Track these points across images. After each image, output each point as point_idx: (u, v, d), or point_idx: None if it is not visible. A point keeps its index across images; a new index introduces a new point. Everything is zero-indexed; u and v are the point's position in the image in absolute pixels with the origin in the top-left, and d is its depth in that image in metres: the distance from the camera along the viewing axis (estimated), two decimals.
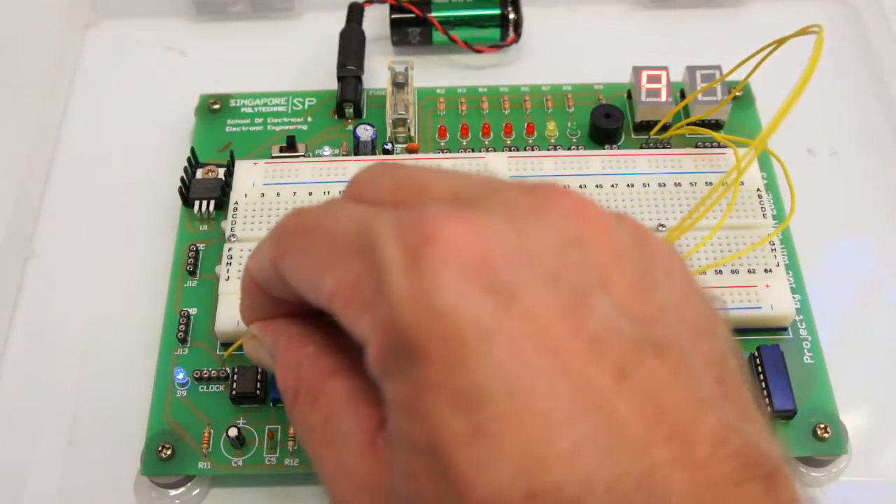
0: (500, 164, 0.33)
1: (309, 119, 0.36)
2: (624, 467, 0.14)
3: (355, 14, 0.38)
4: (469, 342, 0.14)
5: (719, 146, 0.34)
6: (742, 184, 0.32)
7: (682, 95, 0.36)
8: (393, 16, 0.38)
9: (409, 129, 0.35)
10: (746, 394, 0.16)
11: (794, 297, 0.30)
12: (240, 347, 0.23)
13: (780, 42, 0.29)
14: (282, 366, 0.19)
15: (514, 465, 0.13)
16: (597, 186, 0.32)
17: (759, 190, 0.32)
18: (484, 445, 0.14)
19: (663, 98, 0.34)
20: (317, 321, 0.20)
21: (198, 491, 0.28)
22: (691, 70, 0.35)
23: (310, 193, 0.32)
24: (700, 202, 0.27)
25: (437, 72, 0.39)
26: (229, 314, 0.29)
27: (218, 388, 0.29)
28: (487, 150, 0.35)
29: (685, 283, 0.17)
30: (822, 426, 0.28)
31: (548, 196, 0.16)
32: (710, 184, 0.32)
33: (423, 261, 0.15)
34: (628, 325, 0.15)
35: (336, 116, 0.36)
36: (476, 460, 0.14)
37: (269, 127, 0.36)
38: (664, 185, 0.32)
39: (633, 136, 0.35)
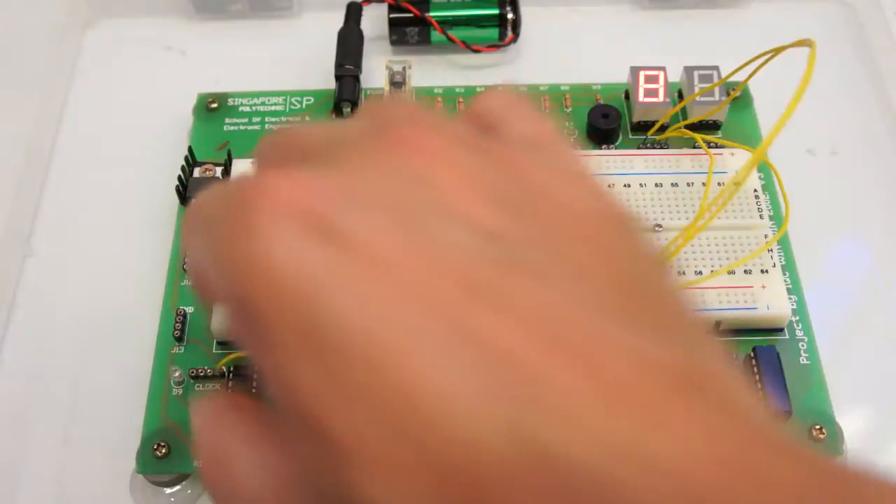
0: None
1: (307, 118, 0.36)
2: (515, 398, 0.12)
3: (354, 13, 0.38)
4: (305, 293, 0.13)
5: (717, 147, 0.33)
6: (735, 185, 0.32)
7: (680, 96, 0.35)
8: (391, 15, 0.38)
9: None
10: (673, 306, 0.15)
11: (790, 298, 0.30)
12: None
13: (777, 51, 0.29)
14: (199, 431, 0.16)
15: (380, 411, 0.12)
16: None
17: (756, 191, 0.32)
18: (345, 396, 0.12)
19: (661, 98, 0.34)
20: None
21: (193, 489, 0.28)
22: (689, 70, 0.35)
23: None
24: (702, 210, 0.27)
25: (435, 71, 0.39)
26: (226, 313, 0.29)
27: (214, 386, 0.29)
28: None
29: (583, 201, 0.15)
30: (817, 427, 0.28)
31: (385, 133, 0.15)
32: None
33: (246, 220, 0.14)
34: (494, 252, 0.13)
35: (334, 116, 0.36)
36: (342, 412, 0.12)
37: (267, 126, 0.36)
38: (661, 185, 0.32)
39: (630, 137, 0.35)
